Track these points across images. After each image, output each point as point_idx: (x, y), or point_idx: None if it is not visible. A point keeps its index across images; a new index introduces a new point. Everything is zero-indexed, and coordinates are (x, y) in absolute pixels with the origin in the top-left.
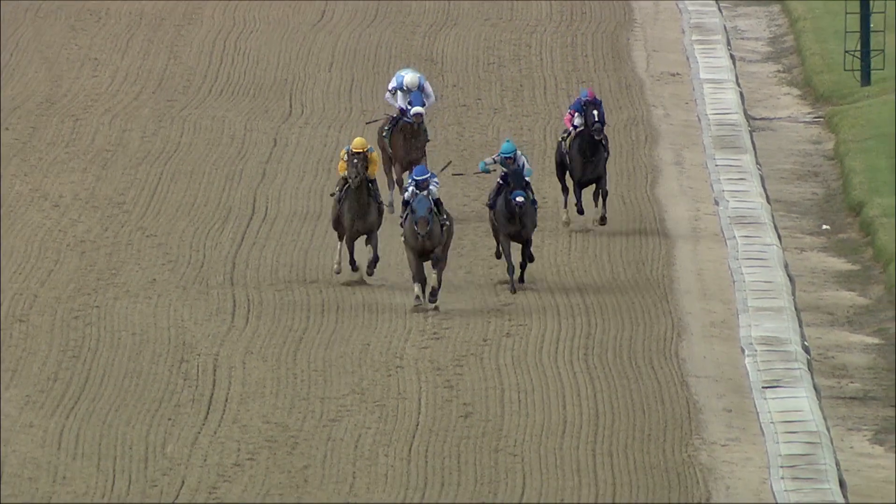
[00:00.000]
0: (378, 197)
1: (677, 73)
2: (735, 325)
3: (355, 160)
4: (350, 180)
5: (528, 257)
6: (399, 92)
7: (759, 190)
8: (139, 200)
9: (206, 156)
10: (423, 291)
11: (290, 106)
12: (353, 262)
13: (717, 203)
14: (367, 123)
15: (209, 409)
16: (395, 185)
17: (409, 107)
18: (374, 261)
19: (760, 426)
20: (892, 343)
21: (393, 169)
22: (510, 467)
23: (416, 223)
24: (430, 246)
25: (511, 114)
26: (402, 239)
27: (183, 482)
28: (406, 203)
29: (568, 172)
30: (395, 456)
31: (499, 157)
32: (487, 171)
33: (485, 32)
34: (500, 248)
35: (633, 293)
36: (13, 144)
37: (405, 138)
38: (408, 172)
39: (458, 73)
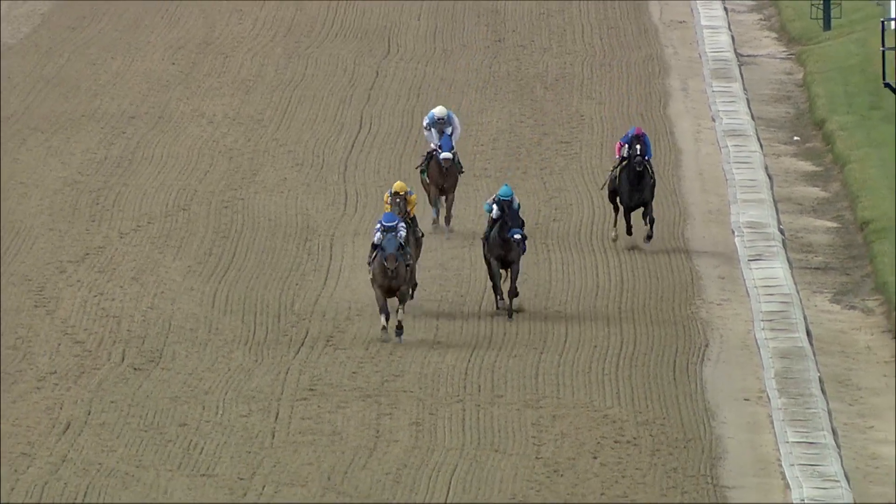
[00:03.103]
0: (419, 232)
1: (683, 21)
2: (727, 212)
3: (398, 200)
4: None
5: (513, 291)
6: (433, 128)
7: (745, 110)
8: (273, 118)
9: (324, 84)
10: (388, 322)
11: (389, 46)
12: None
13: (713, 120)
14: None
15: (327, 276)
16: (434, 205)
17: (440, 150)
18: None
19: (746, 289)
20: (846, 226)
21: (430, 191)
22: (556, 320)
23: (385, 259)
24: (395, 285)
25: (556, 52)
26: (370, 277)
27: (307, 332)
28: (374, 245)
29: (618, 198)
30: (468, 313)
31: (497, 198)
32: (490, 210)
33: None
34: (491, 276)
35: None
36: (178, 75)
37: (440, 171)
38: (443, 198)
39: (516, 20)
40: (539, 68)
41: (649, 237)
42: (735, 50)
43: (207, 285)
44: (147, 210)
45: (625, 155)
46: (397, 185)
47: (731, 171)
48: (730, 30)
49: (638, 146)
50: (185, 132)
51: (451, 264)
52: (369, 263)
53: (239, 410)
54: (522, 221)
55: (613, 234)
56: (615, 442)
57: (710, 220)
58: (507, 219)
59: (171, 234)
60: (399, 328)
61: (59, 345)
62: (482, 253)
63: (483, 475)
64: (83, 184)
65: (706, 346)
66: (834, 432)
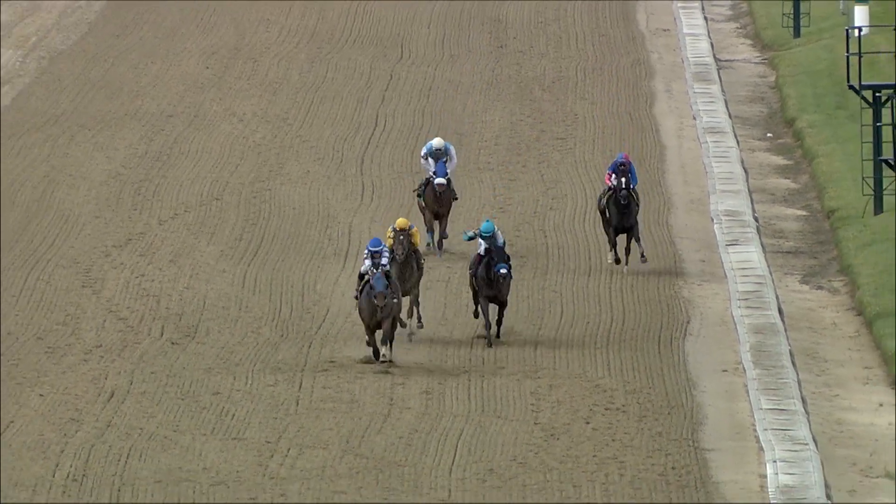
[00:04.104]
0: (421, 260)
1: (667, 29)
2: (707, 202)
3: (401, 237)
4: (398, 256)
5: (499, 320)
6: (430, 157)
7: (723, 109)
8: (297, 117)
9: (343, 86)
10: (376, 350)
11: (401, 51)
12: (403, 322)
13: (695, 118)
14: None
15: (346, 259)
16: (430, 231)
17: (435, 175)
18: (417, 320)
19: (724, 271)
20: (814, 214)
21: (425, 216)
22: (552, 300)
23: (374, 297)
24: (381, 317)
25: (553, 57)
26: (357, 310)
27: (328, 310)
28: (361, 276)
29: (608, 222)
30: (470, 295)
31: (479, 233)
32: (472, 238)
33: (535, 0)
34: (479, 309)
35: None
36: (212, 78)
37: (435, 196)
38: (437, 222)
39: (516, 28)
40: (537, 71)
41: (643, 255)
42: (714, 55)
43: (238, 267)
44: (184, 200)
45: (612, 185)
46: (400, 222)
47: (711, 164)
48: (709, 37)
49: (623, 179)
50: (217, 130)
51: (456, 248)
52: (357, 296)
53: (266, 380)
54: (508, 256)
55: (610, 257)
56: (606, 409)
57: (691, 208)
58: (493, 255)
59: (206, 221)
60: (384, 360)
61: (105, 321)
62: (469, 283)
63: (486, 439)
64: (126, 176)
65: (688, 322)
66: (803, 400)
